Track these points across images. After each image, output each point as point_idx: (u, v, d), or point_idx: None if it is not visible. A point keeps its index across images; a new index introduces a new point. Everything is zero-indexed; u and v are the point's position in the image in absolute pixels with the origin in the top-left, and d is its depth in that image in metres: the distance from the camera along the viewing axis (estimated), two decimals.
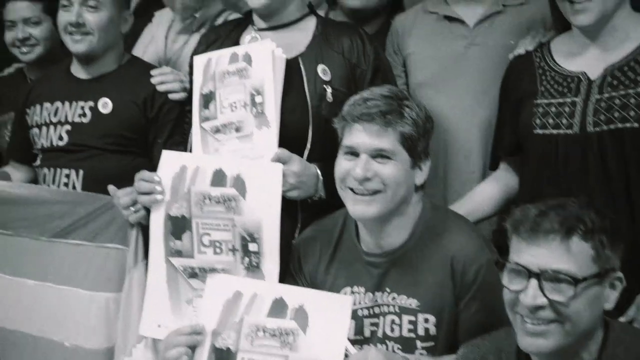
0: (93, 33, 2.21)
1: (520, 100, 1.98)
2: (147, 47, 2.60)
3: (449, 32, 2.31)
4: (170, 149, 2.15)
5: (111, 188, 1.97)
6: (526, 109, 1.94)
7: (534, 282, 1.33)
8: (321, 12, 2.53)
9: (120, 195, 1.94)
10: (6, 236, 2.11)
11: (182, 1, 2.47)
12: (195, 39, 2.48)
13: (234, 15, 2.54)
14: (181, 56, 2.52)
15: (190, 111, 2.11)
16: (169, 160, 1.88)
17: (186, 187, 1.83)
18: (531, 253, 1.34)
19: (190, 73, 2.12)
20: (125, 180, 2.11)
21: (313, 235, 1.88)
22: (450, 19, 2.32)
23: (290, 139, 1.91)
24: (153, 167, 2.19)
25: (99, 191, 2.09)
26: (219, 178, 1.81)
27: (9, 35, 2.52)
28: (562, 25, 1.97)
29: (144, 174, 1.90)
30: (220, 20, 2.52)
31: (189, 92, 2.17)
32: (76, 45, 2.22)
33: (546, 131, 1.89)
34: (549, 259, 1.33)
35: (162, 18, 2.65)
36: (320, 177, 1.90)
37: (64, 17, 2.22)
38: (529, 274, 1.33)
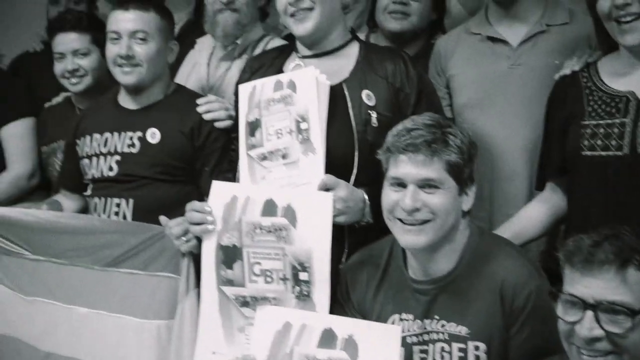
0: (142, 65, 2.26)
1: (567, 121, 1.98)
2: (189, 73, 2.66)
3: (492, 52, 2.33)
4: (217, 177, 2.20)
5: (163, 219, 2.02)
6: (573, 131, 1.95)
7: (589, 313, 1.33)
8: (361, 35, 2.58)
9: (172, 226, 1.98)
10: (60, 265, 2.16)
11: (223, 28, 2.52)
12: (237, 65, 2.55)
13: (275, 41, 2.59)
14: (223, 82, 2.57)
15: (236, 138, 2.16)
16: (220, 190, 1.92)
17: (237, 217, 1.87)
18: (586, 284, 1.35)
19: (236, 101, 2.15)
20: (174, 208, 2.17)
21: (360, 262, 1.90)
22: (493, 39, 2.34)
23: (336, 164, 1.93)
24: (201, 195, 2.25)
25: (149, 219, 2.14)
26: (269, 208, 1.84)
27: (58, 67, 2.59)
28: (608, 45, 1.98)
29: (195, 204, 1.94)
30: (261, 46, 2.57)
31: (235, 119, 2.23)
32: (126, 77, 2.28)
33: (595, 153, 1.89)
34: (605, 291, 1.33)
35: (204, 45, 2.71)
36: (367, 202, 1.91)
37: (113, 49, 2.27)
38: (584, 305, 1.34)
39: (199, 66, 2.67)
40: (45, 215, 2.26)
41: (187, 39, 2.79)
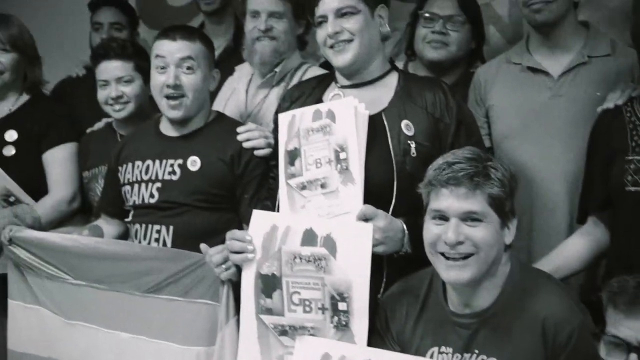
0: (188, 94, 2.30)
1: (611, 155, 1.98)
2: (227, 100, 2.71)
3: (533, 83, 2.34)
4: (256, 205, 2.24)
5: (203, 246, 2.06)
6: (617, 166, 1.94)
7: (634, 356, 1.33)
8: (399, 64, 2.60)
9: (212, 254, 2.02)
10: (101, 290, 2.23)
11: (260, 56, 2.57)
12: (275, 92, 2.60)
13: (314, 69, 2.64)
14: (261, 110, 2.62)
15: (275, 166, 2.19)
16: (260, 219, 1.95)
17: (277, 246, 1.90)
18: (630, 326, 1.35)
19: (275, 129, 2.19)
20: (213, 235, 2.23)
21: (400, 293, 1.91)
22: (533, 70, 2.35)
23: (375, 194, 1.95)
24: (240, 223, 2.30)
25: (189, 246, 2.19)
26: (309, 237, 1.87)
27: (102, 94, 2.65)
28: None
29: (236, 233, 1.97)
30: (299, 74, 2.61)
31: (274, 147, 2.26)
32: (173, 111, 2.31)
33: (639, 189, 1.88)
34: None
35: (242, 72, 2.77)
36: (406, 232, 1.92)
37: (160, 78, 2.30)
38: (628, 348, 1.33)
39: (237, 93, 2.72)
40: (87, 241, 2.32)
41: (225, 66, 2.85)
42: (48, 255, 2.30)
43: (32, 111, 2.72)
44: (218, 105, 2.65)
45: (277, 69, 2.59)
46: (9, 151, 2.65)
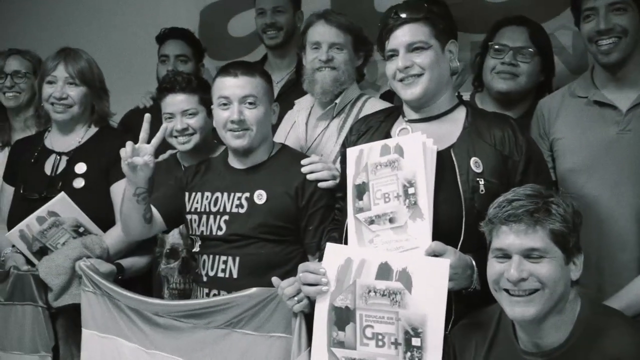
0: (252, 128, 2.40)
1: None
2: (288, 133, 2.81)
3: (600, 117, 2.36)
4: (322, 236, 2.33)
5: (275, 280, 2.13)
6: None
7: None
8: (466, 95, 2.65)
9: (284, 286, 2.09)
10: (180, 322, 2.31)
11: (321, 85, 2.65)
12: (334, 124, 2.69)
13: (373, 100, 2.72)
14: (321, 141, 2.70)
15: (341, 197, 2.27)
16: (334, 252, 2.01)
17: (351, 279, 1.95)
18: None
19: (342, 161, 2.26)
20: (279, 266, 2.34)
21: (468, 329, 1.95)
22: (600, 104, 2.37)
23: (443, 230, 1.99)
24: (304, 254, 2.39)
25: (254, 276, 2.30)
26: (384, 271, 1.92)
27: (167, 127, 2.72)
28: None
29: (310, 265, 2.04)
30: (358, 105, 2.70)
31: (339, 179, 2.33)
32: (237, 141, 2.41)
33: None
34: None
35: (302, 105, 2.87)
36: (475, 268, 1.96)
37: (224, 114, 2.41)
38: None
39: (297, 126, 2.82)
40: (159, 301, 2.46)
41: (287, 99, 2.95)
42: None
43: (100, 144, 2.82)
44: (279, 138, 2.75)
45: (336, 101, 2.68)
46: (79, 183, 2.75)
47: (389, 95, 3.13)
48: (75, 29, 4.55)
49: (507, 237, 1.76)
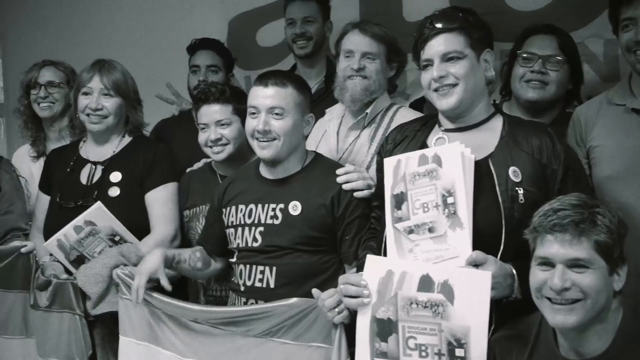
0: (278, 138, 2.37)
1: None
2: (319, 142, 2.78)
3: (638, 124, 2.34)
4: (358, 246, 2.31)
5: (315, 291, 2.11)
6: None
7: None
8: None
9: (325, 298, 2.07)
10: (217, 330, 2.28)
11: (352, 94, 2.63)
12: (366, 134, 2.67)
13: (404, 110, 2.70)
14: (353, 150, 2.68)
15: (377, 207, 2.25)
16: (375, 264, 1.99)
17: (393, 291, 1.93)
18: None
19: (379, 170, 2.24)
20: (315, 276, 2.33)
21: (509, 337, 1.92)
22: (638, 111, 2.33)
23: (483, 239, 1.97)
24: (341, 263, 2.37)
25: (291, 286, 2.29)
26: (426, 284, 1.90)
27: (202, 137, 2.75)
28: None
29: (351, 278, 2.02)
30: (389, 114, 2.67)
31: (375, 188, 2.31)
32: (263, 151, 2.39)
33: None
34: None
35: (333, 114, 2.84)
36: (516, 277, 1.93)
37: (252, 123, 2.40)
38: None
39: (328, 135, 2.80)
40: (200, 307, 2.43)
41: (316, 109, 2.91)
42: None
43: (134, 153, 2.82)
44: (309, 147, 2.70)
45: (367, 110, 2.65)
46: (114, 192, 2.74)
47: (418, 104, 3.11)
48: (106, 41, 4.58)
49: (552, 246, 1.73)
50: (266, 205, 2.41)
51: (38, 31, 5.21)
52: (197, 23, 4.36)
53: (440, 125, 2.20)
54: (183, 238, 2.81)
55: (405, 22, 3.62)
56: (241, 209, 2.45)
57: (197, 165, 2.94)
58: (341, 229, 2.35)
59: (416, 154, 2.10)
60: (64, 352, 2.57)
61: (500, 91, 2.85)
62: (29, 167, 3.23)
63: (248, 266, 2.40)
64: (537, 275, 1.77)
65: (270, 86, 2.39)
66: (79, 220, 2.63)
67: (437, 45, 2.09)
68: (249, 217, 2.43)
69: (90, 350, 2.53)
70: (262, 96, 2.39)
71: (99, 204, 2.66)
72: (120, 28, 4.72)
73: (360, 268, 2.18)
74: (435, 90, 2.11)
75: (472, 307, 1.84)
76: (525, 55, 2.65)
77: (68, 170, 2.83)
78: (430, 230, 2.01)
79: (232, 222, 2.47)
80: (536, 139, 2.08)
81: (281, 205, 2.38)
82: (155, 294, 2.40)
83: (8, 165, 3.03)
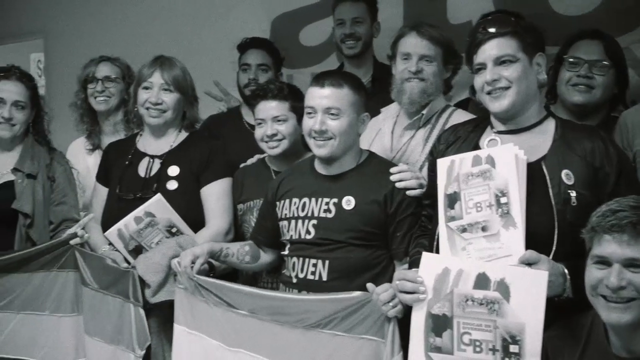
0: (334, 138, 2.41)
1: None
2: (372, 140, 2.80)
3: None
4: (410, 243, 2.34)
5: (370, 285, 2.13)
6: None
7: None
8: None
9: (380, 292, 2.09)
10: (265, 322, 2.32)
11: (409, 96, 2.66)
12: (420, 134, 2.69)
13: (459, 112, 2.72)
14: (407, 150, 2.70)
15: (429, 205, 2.28)
16: (431, 262, 2.02)
17: (449, 288, 1.96)
18: None
19: (431, 170, 2.27)
20: (366, 270, 2.36)
21: (561, 336, 1.94)
22: None
23: (535, 240, 1.98)
24: (391, 259, 2.40)
25: (343, 280, 2.32)
26: (482, 281, 1.92)
27: (258, 132, 2.80)
28: None
29: (407, 274, 2.05)
30: (444, 116, 2.70)
31: (427, 188, 2.35)
32: (319, 149, 2.44)
33: None
34: None
35: (388, 113, 2.86)
36: (568, 277, 1.95)
37: (309, 123, 2.44)
38: None
39: (382, 134, 2.82)
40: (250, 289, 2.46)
41: (371, 107, 2.94)
42: (216, 288, 2.45)
43: (191, 148, 2.87)
44: (362, 145, 2.71)
45: (424, 111, 2.68)
46: (172, 185, 2.79)
47: (462, 106, 3.13)
48: (146, 39, 4.62)
49: (609, 246, 1.77)
50: (320, 199, 2.45)
51: (79, 30, 5.30)
52: (239, 21, 4.42)
53: (492, 127, 2.21)
54: (236, 231, 2.85)
55: (449, 24, 3.65)
56: (295, 202, 2.50)
57: (251, 160, 2.99)
58: (393, 225, 2.38)
59: (470, 155, 2.12)
60: (110, 335, 2.66)
61: (546, 95, 2.85)
62: (84, 159, 3.33)
63: (301, 259, 2.44)
64: (593, 273, 1.80)
65: (326, 87, 2.43)
66: (139, 211, 2.68)
67: (490, 49, 2.12)
68: (302, 210, 2.47)
69: (149, 340, 2.58)
70: (319, 96, 2.43)
71: (159, 196, 2.71)
72: (162, 26, 4.78)
73: (411, 265, 2.24)
74: (488, 93, 2.13)
75: (527, 305, 1.86)
76: (571, 59, 2.67)
77: (126, 163, 2.88)
78: (484, 229, 2.03)
79: (285, 214, 2.52)
80: (589, 142, 2.09)
81: (335, 200, 2.42)
82: (213, 280, 2.47)
83: (62, 157, 3.12)
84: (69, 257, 2.74)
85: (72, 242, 2.74)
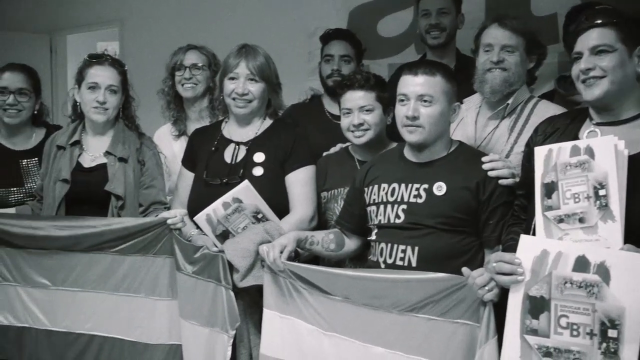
0: (424, 126, 2.55)
1: None
2: (454, 130, 2.91)
3: None
4: (502, 230, 2.45)
5: (465, 270, 2.25)
6: None
7: None
8: None
9: (475, 276, 2.21)
10: (359, 307, 2.45)
11: (491, 86, 2.79)
12: (505, 124, 2.80)
13: (545, 103, 2.81)
14: (491, 140, 2.82)
15: (522, 195, 2.39)
16: (529, 244, 2.12)
17: (547, 270, 2.06)
18: None
19: (527, 160, 2.37)
20: (455, 257, 2.48)
21: None
22: None
23: (634, 233, 2.04)
24: (481, 246, 2.52)
25: (432, 266, 2.41)
26: (582, 264, 2.01)
27: (345, 121, 2.96)
28: None
29: (505, 256, 2.16)
30: (529, 106, 2.80)
31: (517, 177, 2.47)
32: (410, 135, 2.58)
33: None
34: None
35: (471, 103, 2.98)
36: None
37: (402, 110, 2.58)
38: None
39: (465, 124, 2.95)
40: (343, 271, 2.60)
41: None
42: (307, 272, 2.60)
43: (276, 135, 3.03)
44: None
45: (509, 101, 2.79)
46: (258, 171, 2.95)
47: (548, 97, 3.20)
48: (223, 28, 4.81)
49: None
50: (410, 185, 2.59)
51: (154, 18, 5.50)
52: (316, 12, 4.61)
53: (591, 119, 2.30)
54: (320, 219, 3.00)
55: (533, 16, 3.74)
56: (384, 188, 2.65)
57: (334, 149, 3.16)
58: (485, 213, 2.51)
59: (568, 144, 2.21)
60: (205, 318, 2.80)
61: None
62: (170, 145, 3.53)
63: (389, 245, 2.57)
64: None
65: (420, 75, 2.57)
66: (227, 197, 2.84)
67: (587, 38, 2.23)
68: (392, 195, 2.62)
69: (239, 321, 2.74)
70: (412, 84, 2.57)
71: (247, 182, 2.86)
72: (238, 16, 4.97)
73: (504, 252, 2.29)
74: (583, 81, 2.23)
75: (628, 290, 1.94)
76: None
77: (212, 149, 3.05)
78: (581, 220, 2.11)
79: (374, 199, 2.67)
80: None
81: (425, 186, 2.56)
82: (299, 264, 2.62)
83: (150, 142, 3.31)
84: (166, 242, 2.90)
85: (169, 222, 2.88)
